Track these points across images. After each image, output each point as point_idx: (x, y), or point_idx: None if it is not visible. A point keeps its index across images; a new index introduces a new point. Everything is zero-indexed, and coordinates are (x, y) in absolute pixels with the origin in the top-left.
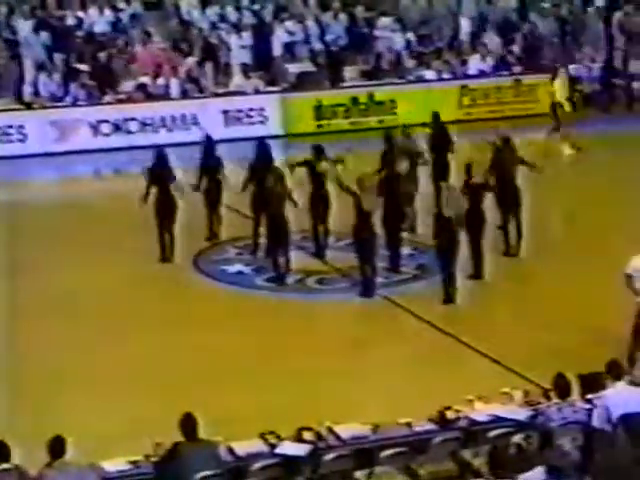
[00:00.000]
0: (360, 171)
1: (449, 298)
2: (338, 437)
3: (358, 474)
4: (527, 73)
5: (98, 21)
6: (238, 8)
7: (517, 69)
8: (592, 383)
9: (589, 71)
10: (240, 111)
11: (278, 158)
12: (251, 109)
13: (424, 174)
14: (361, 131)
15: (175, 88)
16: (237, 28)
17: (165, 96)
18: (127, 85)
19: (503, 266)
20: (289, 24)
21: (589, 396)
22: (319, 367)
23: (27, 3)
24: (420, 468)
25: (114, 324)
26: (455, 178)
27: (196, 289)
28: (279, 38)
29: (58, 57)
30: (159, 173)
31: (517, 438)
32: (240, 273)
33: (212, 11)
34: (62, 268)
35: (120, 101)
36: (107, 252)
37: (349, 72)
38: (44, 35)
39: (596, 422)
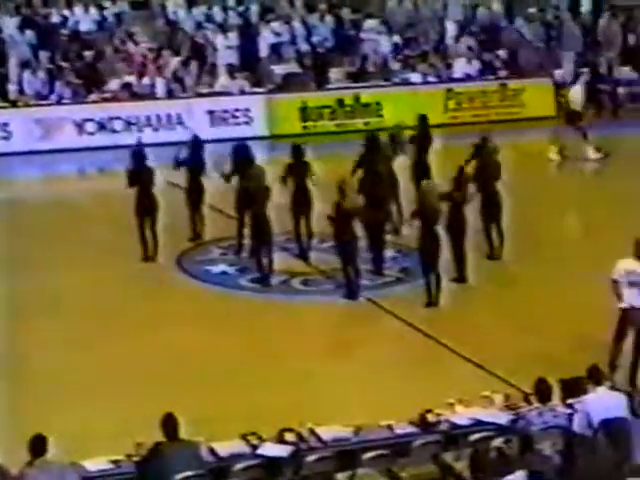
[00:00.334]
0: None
1: (431, 301)
2: (320, 439)
3: (340, 476)
4: (513, 77)
5: (83, 20)
6: (225, 8)
7: (503, 73)
8: (573, 388)
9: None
10: (226, 111)
11: (256, 159)
12: (237, 110)
13: (405, 175)
14: (346, 133)
15: (161, 88)
16: (223, 28)
17: (151, 95)
18: (113, 84)
19: (487, 269)
20: (275, 25)
21: (570, 401)
22: (302, 368)
23: (12, 1)
24: (401, 471)
25: (97, 323)
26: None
27: (180, 289)
28: (265, 39)
29: (43, 55)
30: (137, 173)
31: (498, 442)
32: (224, 273)
33: (198, 11)
34: (45, 267)
35: (105, 100)
36: (91, 251)
37: (335, 74)
38: (29, 33)
39: (577, 427)
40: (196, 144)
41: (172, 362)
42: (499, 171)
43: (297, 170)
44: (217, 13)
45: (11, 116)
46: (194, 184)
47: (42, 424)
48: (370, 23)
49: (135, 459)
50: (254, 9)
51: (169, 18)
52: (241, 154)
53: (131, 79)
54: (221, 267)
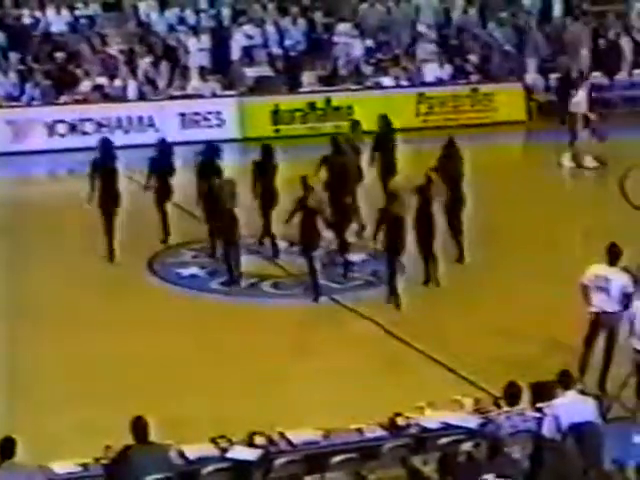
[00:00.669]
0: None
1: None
2: (289, 442)
3: (308, 479)
4: (484, 82)
5: (55, 21)
6: (197, 11)
7: (474, 78)
8: (543, 392)
9: (546, 81)
10: (197, 114)
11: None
12: (208, 112)
13: (370, 174)
14: (318, 136)
15: (132, 90)
16: (195, 31)
17: (122, 97)
18: (84, 86)
19: (456, 273)
20: (248, 28)
21: (539, 405)
22: (271, 371)
23: None
24: (370, 474)
25: (65, 325)
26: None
27: (149, 291)
28: (237, 42)
29: (14, 56)
30: (102, 165)
31: (467, 446)
32: (194, 276)
33: (171, 13)
34: (13, 268)
35: (77, 101)
36: (61, 253)
37: (307, 77)
38: (0, 34)
39: (546, 431)
40: (164, 147)
41: (141, 364)
42: (462, 170)
43: (265, 170)
44: (189, 15)
45: None
46: (163, 187)
47: (10, 426)
48: (343, 27)
49: (104, 462)
50: (226, 12)
51: (141, 20)
52: (210, 153)
53: (103, 81)
54: (191, 270)
